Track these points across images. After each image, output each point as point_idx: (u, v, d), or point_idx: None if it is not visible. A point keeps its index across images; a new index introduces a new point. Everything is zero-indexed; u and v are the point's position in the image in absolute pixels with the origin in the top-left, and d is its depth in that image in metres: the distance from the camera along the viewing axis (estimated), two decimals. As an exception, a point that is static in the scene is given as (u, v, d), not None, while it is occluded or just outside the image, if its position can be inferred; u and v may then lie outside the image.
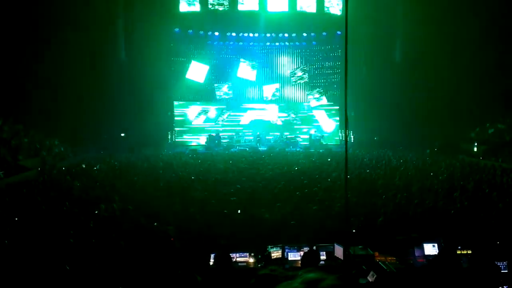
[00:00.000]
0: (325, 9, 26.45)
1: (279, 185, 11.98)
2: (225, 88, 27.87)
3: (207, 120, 27.72)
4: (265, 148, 23.58)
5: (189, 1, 25.61)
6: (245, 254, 7.30)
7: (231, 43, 27.44)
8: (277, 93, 28.13)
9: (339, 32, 26.22)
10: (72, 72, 21.94)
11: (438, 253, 6.80)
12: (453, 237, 7.37)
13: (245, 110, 27.96)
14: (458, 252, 7.02)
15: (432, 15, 23.44)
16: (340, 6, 26.13)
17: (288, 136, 26.32)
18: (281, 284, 1.27)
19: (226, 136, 26.20)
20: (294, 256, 7.35)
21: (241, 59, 27.70)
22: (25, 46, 20.64)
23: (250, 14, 26.13)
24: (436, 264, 6.46)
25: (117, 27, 25.24)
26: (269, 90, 28.14)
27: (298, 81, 28.38)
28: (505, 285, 5.83)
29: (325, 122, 28.11)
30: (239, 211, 9.47)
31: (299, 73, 28.32)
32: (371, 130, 25.78)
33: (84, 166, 16.77)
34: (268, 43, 27.77)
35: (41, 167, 16.32)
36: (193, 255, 7.07)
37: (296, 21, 26.40)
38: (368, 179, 13.68)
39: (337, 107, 27.83)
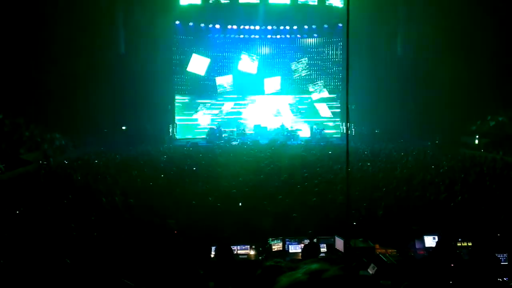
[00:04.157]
0: (327, 1, 26.30)
1: (281, 178, 12.00)
2: (226, 81, 27.82)
3: (208, 113, 27.70)
4: (266, 141, 23.57)
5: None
6: (246, 246, 7.34)
7: (232, 36, 27.34)
8: (278, 86, 28.08)
9: (340, 25, 26.09)
10: (73, 66, 21.87)
11: (435, 245, 6.83)
12: (451, 229, 7.39)
13: (246, 103, 27.96)
14: (459, 244, 7.06)
15: (433, 8, 23.31)
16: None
17: (289, 129, 26.29)
18: (284, 274, 1.28)
19: (227, 130, 26.15)
20: (295, 248, 7.40)
21: (242, 52, 27.63)
22: (25, 41, 20.57)
23: (251, 7, 26.00)
24: (434, 256, 6.50)
25: (117, 20, 25.13)
26: (270, 83, 28.08)
27: (300, 74, 28.30)
28: (506, 277, 5.86)
29: (326, 114, 28.10)
30: (240, 204, 9.50)
31: (301, 66, 28.23)
32: (372, 123, 25.75)
33: (85, 159, 16.82)
34: (269, 36, 27.66)
35: (42, 160, 16.34)
36: (194, 248, 7.10)
37: (297, 14, 26.26)
38: (369, 172, 13.69)
39: (339, 100, 27.80)
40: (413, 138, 23.02)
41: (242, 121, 27.52)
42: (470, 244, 7.07)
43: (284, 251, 7.29)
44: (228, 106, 27.95)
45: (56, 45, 21.26)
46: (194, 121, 27.57)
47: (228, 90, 27.88)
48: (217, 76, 27.75)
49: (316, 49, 28.09)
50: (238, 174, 12.74)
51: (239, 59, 27.63)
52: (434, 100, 23.47)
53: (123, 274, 5.36)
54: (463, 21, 22.30)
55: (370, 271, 5.78)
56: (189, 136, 26.41)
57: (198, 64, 27.21)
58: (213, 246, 7.15)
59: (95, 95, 22.49)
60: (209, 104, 27.76)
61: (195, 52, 27.15)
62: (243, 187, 10.95)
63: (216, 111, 27.82)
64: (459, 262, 6.23)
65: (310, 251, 7.09)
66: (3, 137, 16.90)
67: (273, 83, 28.12)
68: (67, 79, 21.61)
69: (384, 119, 25.05)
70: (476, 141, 22.05)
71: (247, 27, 26.86)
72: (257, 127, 26.41)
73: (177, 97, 27.25)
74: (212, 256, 7.07)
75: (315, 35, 27.59)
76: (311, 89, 28.38)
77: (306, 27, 26.98)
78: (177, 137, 26.46)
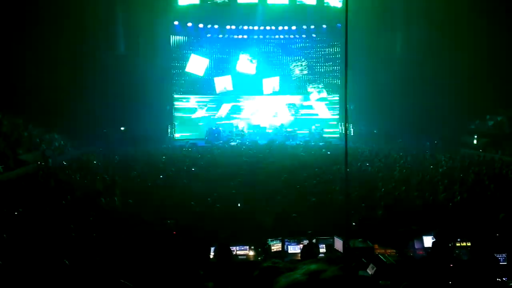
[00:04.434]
0: (325, 1, 26.29)
1: (281, 178, 12.01)
2: (224, 81, 27.78)
3: (207, 113, 27.67)
4: (265, 142, 23.55)
5: (188, -6, 25.47)
6: (245, 247, 7.33)
7: (231, 36, 27.31)
8: (277, 86, 28.05)
9: (339, 25, 26.04)
10: (72, 66, 21.84)
11: (431, 246, 6.82)
12: (447, 229, 7.38)
13: (245, 103, 27.93)
14: (458, 244, 7.05)
15: (432, 8, 23.33)
16: (340, -2, 25.95)
17: (288, 129, 26.27)
18: (282, 275, 1.28)
19: (225, 130, 26.11)
20: (294, 249, 7.38)
21: (241, 52, 27.61)
22: (24, 39, 20.53)
23: (249, 7, 25.98)
24: (433, 256, 6.50)
25: (116, 20, 25.10)
26: (269, 83, 28.06)
27: (298, 74, 28.29)
28: (505, 277, 5.86)
29: (325, 115, 28.10)
30: (239, 205, 9.50)
31: (299, 66, 28.23)
32: (371, 123, 25.75)
33: (84, 159, 16.79)
34: (268, 36, 27.64)
35: (41, 161, 16.30)
36: (193, 248, 7.09)
37: (296, 14, 26.24)
38: (368, 172, 13.70)
39: (337, 100, 27.80)
40: (411, 138, 23.03)
41: (240, 121, 27.49)
42: (469, 244, 7.07)
43: (283, 252, 7.28)
44: (226, 107, 27.92)
45: (55, 45, 21.22)
46: (193, 122, 27.53)
47: (226, 90, 27.85)
48: (215, 76, 27.73)
49: (315, 49, 28.09)
50: (237, 175, 12.74)
51: (238, 59, 27.62)
52: (433, 100, 23.47)
53: (121, 275, 5.34)
54: (461, 20, 22.31)
55: (369, 271, 5.77)
56: (188, 136, 26.36)
57: (197, 65, 27.20)
58: (212, 246, 7.14)
59: (94, 95, 22.47)
60: (207, 105, 27.73)
61: (193, 53, 27.14)
62: (242, 187, 10.95)
63: (214, 112, 27.79)
64: (458, 262, 6.23)
65: (309, 252, 7.09)
66: (2, 138, 16.86)
67: (271, 83, 28.10)
68: (66, 79, 21.56)
69: (383, 119, 25.05)
70: (475, 141, 22.06)
71: (245, 27, 26.83)
72: (256, 127, 26.37)
73: (175, 97, 27.22)
74: (211, 256, 7.06)
75: (314, 35, 27.57)
76: (310, 90, 28.37)
77: (304, 27, 26.97)
78: (176, 137, 26.43)
